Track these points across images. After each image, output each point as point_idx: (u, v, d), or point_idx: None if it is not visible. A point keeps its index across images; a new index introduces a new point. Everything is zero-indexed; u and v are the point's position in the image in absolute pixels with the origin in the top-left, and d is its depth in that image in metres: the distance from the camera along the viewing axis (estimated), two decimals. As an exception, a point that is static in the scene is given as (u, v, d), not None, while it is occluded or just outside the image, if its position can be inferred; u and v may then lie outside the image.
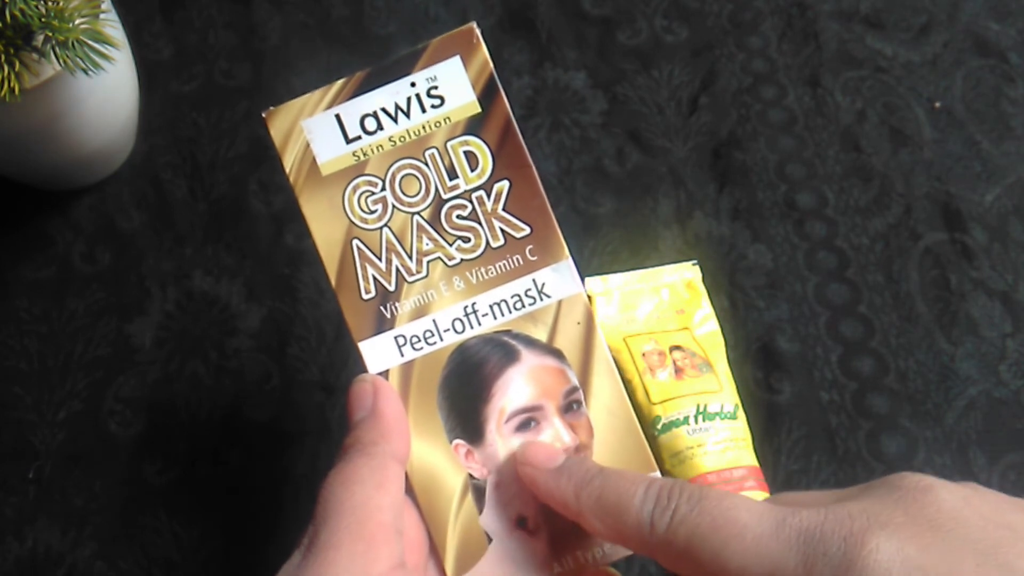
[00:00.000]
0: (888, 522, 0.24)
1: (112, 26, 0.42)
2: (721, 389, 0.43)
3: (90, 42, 0.39)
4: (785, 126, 0.52)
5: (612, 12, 0.55)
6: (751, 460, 0.42)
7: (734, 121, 0.52)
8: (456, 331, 0.33)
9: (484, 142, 0.33)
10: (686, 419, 0.42)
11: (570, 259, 0.33)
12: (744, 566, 0.25)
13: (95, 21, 0.40)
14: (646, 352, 0.44)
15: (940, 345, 0.46)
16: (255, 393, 0.46)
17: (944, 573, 0.23)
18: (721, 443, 0.41)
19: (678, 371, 0.43)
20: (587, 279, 0.46)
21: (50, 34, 0.38)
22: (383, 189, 0.33)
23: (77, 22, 0.39)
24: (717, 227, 0.49)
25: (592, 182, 0.51)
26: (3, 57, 0.37)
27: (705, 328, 0.46)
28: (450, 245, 0.33)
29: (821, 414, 0.45)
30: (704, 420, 0.42)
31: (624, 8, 0.55)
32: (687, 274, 0.47)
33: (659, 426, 0.42)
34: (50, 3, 0.38)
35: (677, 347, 0.44)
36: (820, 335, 0.46)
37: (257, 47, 0.55)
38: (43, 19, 0.37)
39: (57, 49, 0.38)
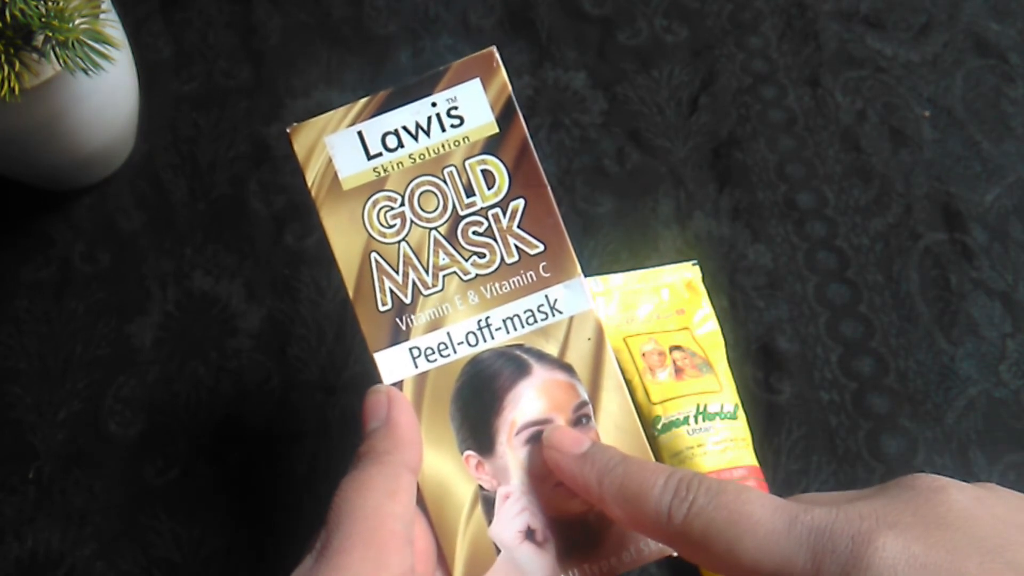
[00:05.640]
0: (897, 521, 0.24)
1: (112, 26, 0.42)
2: (721, 389, 0.43)
3: (90, 42, 0.39)
4: (785, 126, 0.52)
5: (612, 12, 0.55)
6: (751, 460, 0.42)
7: (734, 121, 0.52)
8: (470, 344, 0.33)
9: (501, 161, 0.34)
10: (686, 419, 0.42)
11: (582, 276, 0.34)
12: (756, 560, 0.25)
13: (95, 21, 0.40)
14: (646, 352, 0.44)
15: (940, 345, 0.46)
16: (255, 393, 0.46)
17: (948, 570, 0.23)
18: (721, 443, 0.41)
19: (678, 371, 0.43)
20: (587, 279, 0.46)
21: (50, 34, 0.38)
22: (402, 204, 0.34)
23: (77, 22, 0.39)
24: (717, 227, 0.49)
25: (592, 182, 0.51)
26: (3, 57, 0.37)
27: (705, 328, 0.46)
28: (466, 260, 0.34)
29: (821, 414, 0.45)
30: (704, 420, 0.42)
31: (624, 8, 0.55)
32: (687, 274, 0.47)
33: (659, 426, 0.42)
34: (50, 3, 0.38)
35: (677, 347, 0.44)
36: (820, 335, 0.46)
37: (257, 47, 0.55)
38: (43, 19, 0.37)
39: (57, 49, 0.38)
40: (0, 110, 0.40)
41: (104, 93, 0.44)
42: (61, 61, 0.38)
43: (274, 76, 0.54)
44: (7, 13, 0.37)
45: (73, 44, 0.38)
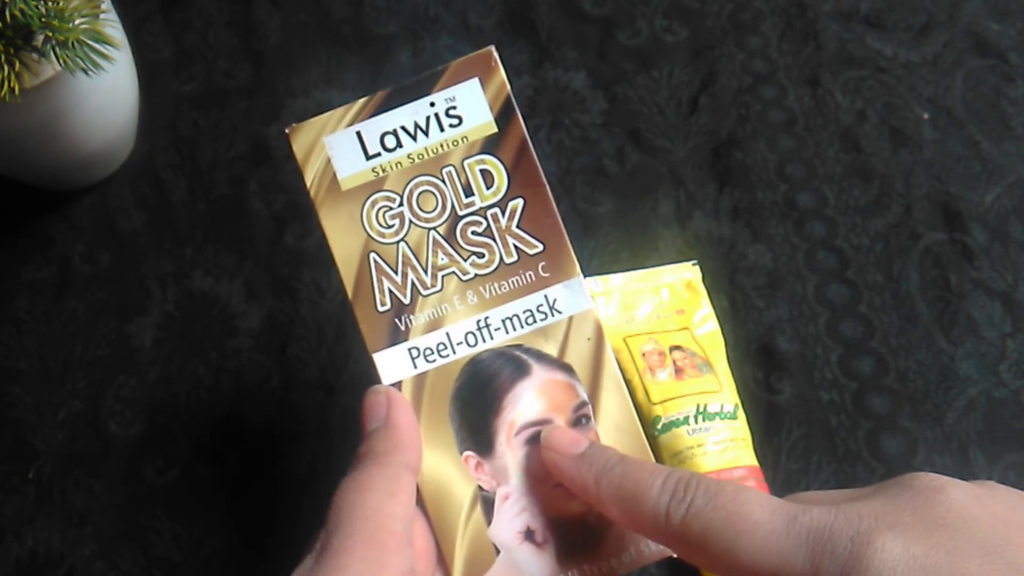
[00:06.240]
0: (896, 522, 0.24)
1: (112, 26, 0.42)
2: (721, 389, 0.43)
3: (90, 42, 0.39)
4: (785, 126, 0.52)
5: (612, 12, 0.55)
6: (751, 460, 0.42)
7: (734, 121, 0.52)
8: (469, 344, 0.33)
9: (500, 161, 0.34)
10: (686, 419, 0.42)
11: (581, 276, 0.34)
12: (754, 561, 0.25)
13: (95, 21, 0.40)
14: (646, 352, 0.44)
15: (940, 345, 0.46)
16: (255, 393, 0.46)
17: (948, 571, 0.23)
18: (721, 443, 0.41)
19: (678, 371, 0.43)
20: (587, 279, 0.46)
21: (50, 34, 0.38)
22: (401, 204, 0.34)
23: (77, 22, 0.39)
24: (717, 227, 0.49)
25: (592, 182, 0.51)
26: (3, 57, 0.37)
27: (705, 328, 0.46)
28: (465, 260, 0.34)
29: (821, 414, 0.45)
30: (704, 420, 0.42)
31: (624, 8, 0.55)
32: (687, 274, 0.47)
33: (659, 426, 0.42)
34: (50, 3, 0.38)
35: (677, 347, 0.44)
36: (820, 335, 0.46)
37: (257, 47, 0.55)
38: (43, 19, 0.37)
39: (57, 49, 0.38)
40: (0, 110, 0.40)
41: (104, 93, 0.44)
42: (61, 61, 0.38)
43: (274, 76, 0.54)
44: (7, 13, 0.37)
45: (73, 44, 0.38)
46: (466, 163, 0.34)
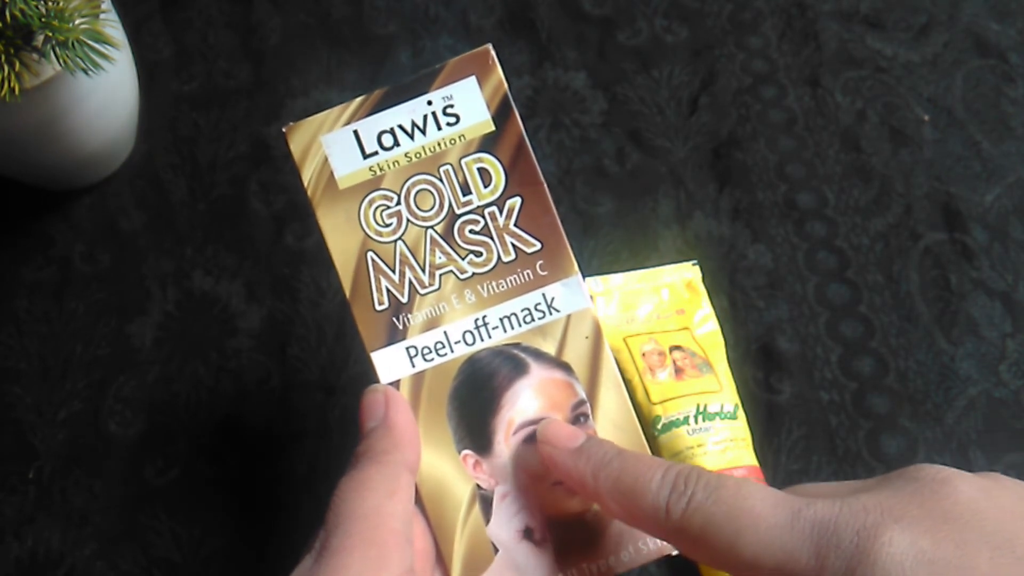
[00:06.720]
0: (903, 515, 0.24)
1: (112, 26, 0.42)
2: (721, 389, 0.43)
3: (90, 42, 0.39)
4: (785, 126, 0.52)
5: (612, 12, 0.55)
6: (751, 460, 0.42)
7: (734, 121, 0.52)
8: (467, 343, 0.33)
9: (497, 159, 0.34)
10: (686, 419, 0.42)
11: (579, 274, 0.34)
12: (757, 555, 0.25)
13: (95, 21, 0.40)
14: (646, 352, 0.44)
15: (940, 345, 0.46)
16: (255, 393, 0.46)
17: (957, 566, 0.22)
18: (721, 443, 0.41)
19: (678, 371, 0.43)
20: (587, 279, 0.46)
21: (50, 34, 0.38)
22: (398, 203, 0.34)
23: (77, 22, 0.39)
24: (717, 227, 0.49)
25: (592, 182, 0.51)
26: (3, 57, 0.37)
27: (705, 328, 0.46)
28: (462, 259, 0.34)
29: (821, 414, 0.45)
30: (704, 420, 0.42)
31: (624, 8, 0.55)
32: (687, 274, 0.47)
33: (659, 426, 0.42)
34: (50, 3, 0.38)
35: (677, 347, 0.44)
36: (820, 335, 0.46)
37: (257, 47, 0.55)
38: (43, 19, 0.37)
39: (57, 49, 0.38)
40: (0, 110, 0.40)
41: (104, 93, 0.44)
42: (61, 61, 0.38)
43: (274, 76, 0.54)
44: (7, 13, 0.37)
45: (73, 44, 0.38)
46: (463, 161, 0.34)
